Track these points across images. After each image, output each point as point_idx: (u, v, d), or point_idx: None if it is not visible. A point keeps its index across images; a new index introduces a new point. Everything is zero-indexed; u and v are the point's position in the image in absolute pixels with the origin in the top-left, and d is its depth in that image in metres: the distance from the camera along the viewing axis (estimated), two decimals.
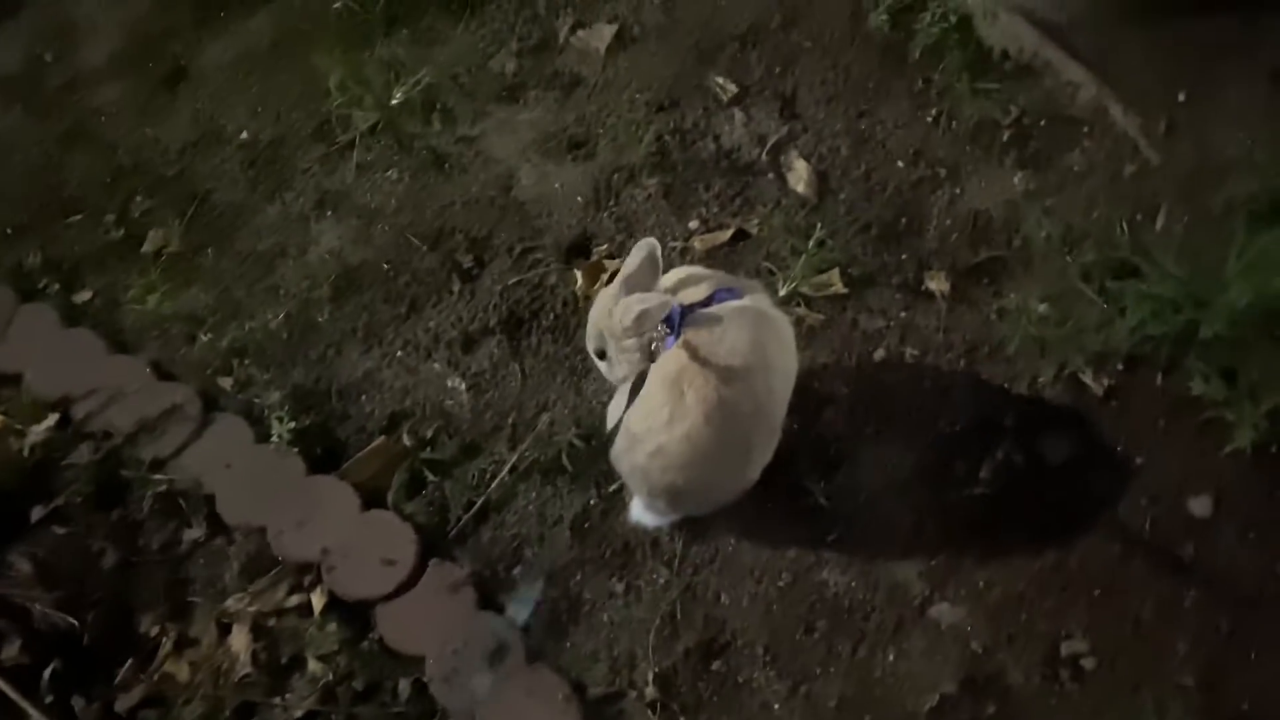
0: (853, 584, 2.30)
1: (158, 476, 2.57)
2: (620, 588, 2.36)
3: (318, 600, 2.38)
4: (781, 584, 2.32)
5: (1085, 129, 2.86)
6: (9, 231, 3.14)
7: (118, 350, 2.82)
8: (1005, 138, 2.87)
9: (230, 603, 2.41)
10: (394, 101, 3.07)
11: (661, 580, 2.36)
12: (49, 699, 2.29)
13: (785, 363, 2.24)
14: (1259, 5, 2.82)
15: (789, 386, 2.26)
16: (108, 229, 3.08)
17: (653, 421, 2.06)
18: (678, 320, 2.12)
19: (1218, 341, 2.35)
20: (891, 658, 2.22)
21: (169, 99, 3.35)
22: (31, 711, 2.26)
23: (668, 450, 2.07)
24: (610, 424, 2.23)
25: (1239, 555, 2.20)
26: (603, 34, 3.21)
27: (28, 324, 2.90)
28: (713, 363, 2.06)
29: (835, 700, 2.18)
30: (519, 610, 2.32)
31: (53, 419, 2.68)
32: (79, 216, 3.13)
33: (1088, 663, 2.15)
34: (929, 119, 2.94)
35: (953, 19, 2.99)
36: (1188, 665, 2.11)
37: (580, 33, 3.24)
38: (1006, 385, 2.49)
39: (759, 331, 2.17)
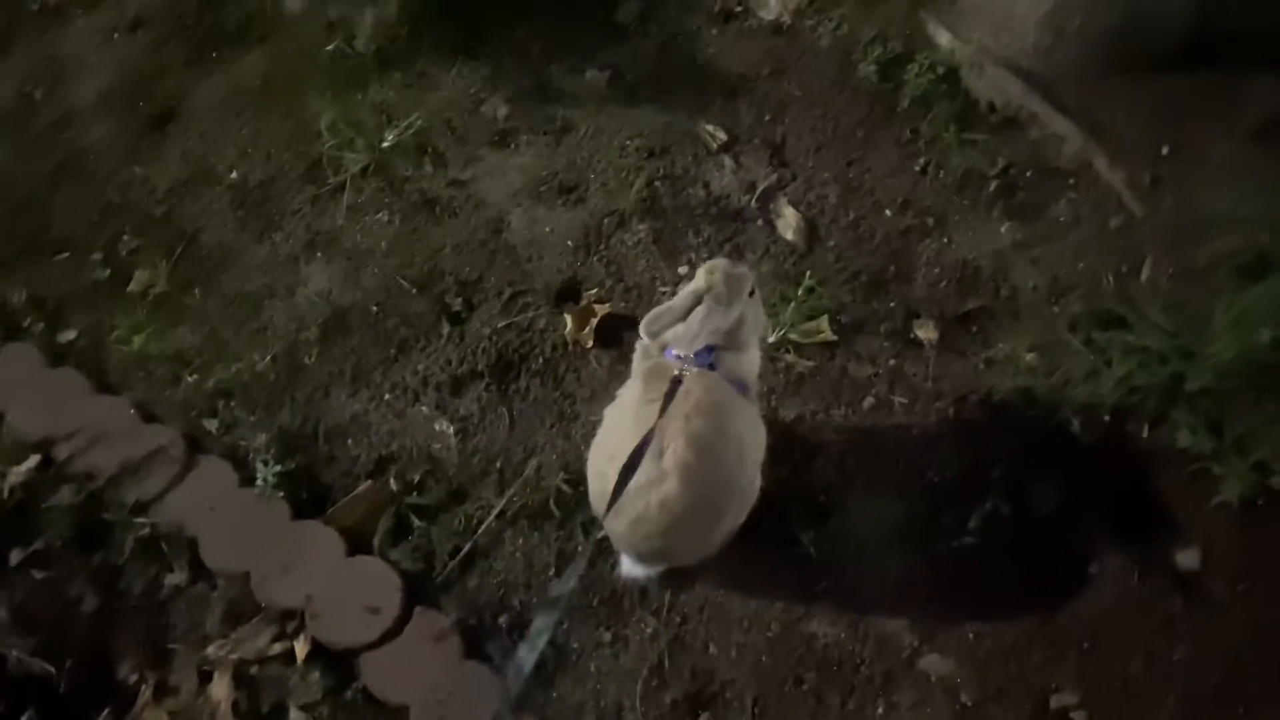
0: (842, 635, 2.28)
1: (140, 520, 2.53)
2: (608, 637, 2.33)
3: (301, 648, 2.33)
4: (770, 634, 2.31)
5: (1071, 181, 2.91)
6: None
7: (102, 391, 2.79)
8: (992, 188, 2.90)
9: (211, 650, 2.36)
10: (385, 144, 3.08)
11: (649, 629, 2.33)
12: None
13: (754, 437, 2.20)
14: (1242, 62, 2.89)
15: (760, 453, 2.22)
16: (94, 268, 3.06)
17: (630, 486, 2.01)
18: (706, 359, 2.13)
19: (1204, 394, 2.38)
20: (881, 710, 2.20)
21: (159, 138, 3.35)
22: None
23: (647, 518, 2.05)
24: (589, 467, 2.21)
25: (1227, 609, 2.20)
26: (595, 81, 3.24)
27: (11, 363, 2.86)
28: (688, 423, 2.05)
29: None
30: (528, 655, 2.18)
31: (34, 460, 2.63)
32: (65, 255, 3.11)
33: (1077, 716, 2.14)
34: (917, 168, 2.97)
35: (940, 70, 3.05)
36: (1178, 719, 2.10)
37: (573, 78, 3.26)
38: (994, 435, 2.50)
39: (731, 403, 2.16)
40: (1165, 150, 2.88)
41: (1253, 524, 2.28)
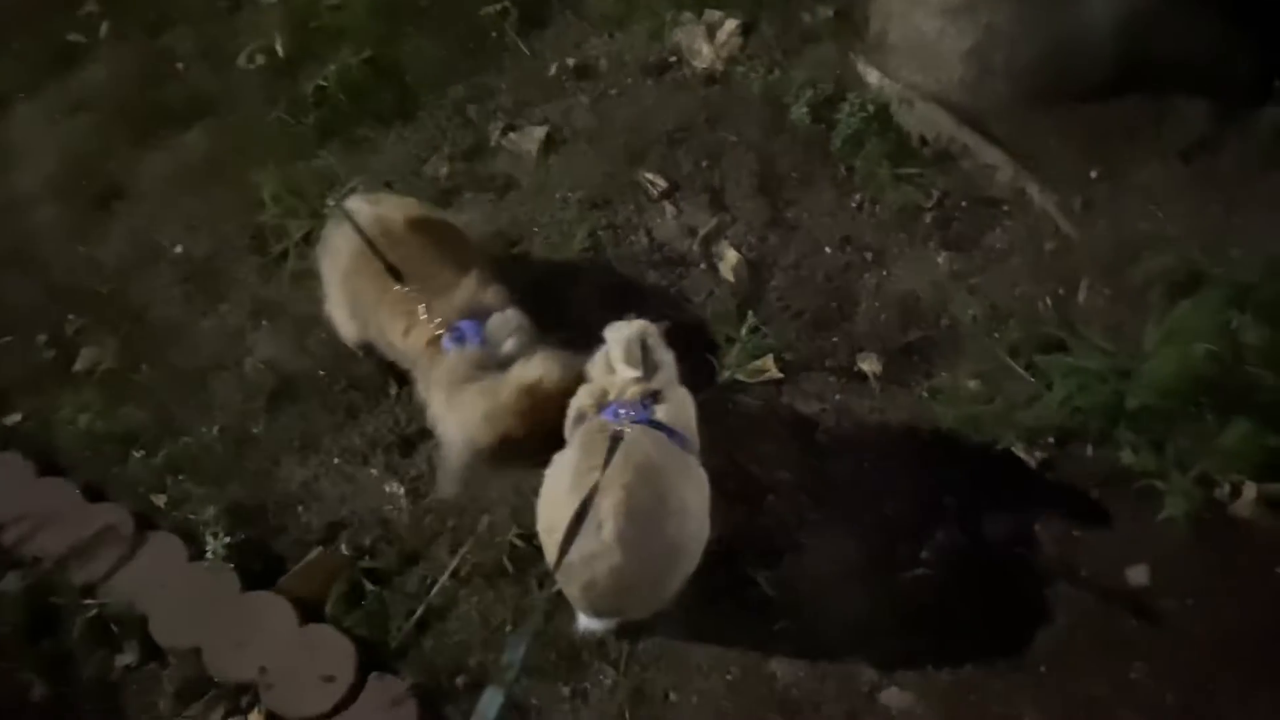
0: (801, 674, 2.27)
1: (89, 601, 2.49)
2: (567, 691, 2.31)
3: None
4: (730, 678, 2.29)
5: (1005, 208, 2.96)
6: None
7: (50, 472, 2.76)
8: (929, 220, 2.95)
9: None
10: (327, 210, 3.09)
11: (609, 681, 2.31)
12: None
13: (698, 495, 2.17)
14: (1166, 88, 2.96)
15: (704, 507, 2.19)
16: (40, 350, 3.04)
17: (575, 556, 2.00)
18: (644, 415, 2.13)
19: (1144, 412, 2.40)
20: None
21: (104, 217, 3.35)
22: None
23: (596, 583, 2.03)
24: (539, 517, 2.20)
25: (1180, 624, 2.21)
26: (534, 136, 3.28)
27: None
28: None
29: None
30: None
31: None
32: (9, 338, 3.10)
33: None
34: (854, 205, 3.02)
35: (871, 108, 3.11)
36: None
37: (512, 135, 3.31)
38: (944, 464, 2.52)
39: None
40: (1095, 174, 2.94)
41: (1199, 538, 2.29)
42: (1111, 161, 2.94)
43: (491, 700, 1.77)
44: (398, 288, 2.34)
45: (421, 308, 2.32)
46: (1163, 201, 2.83)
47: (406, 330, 2.36)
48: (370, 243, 2.37)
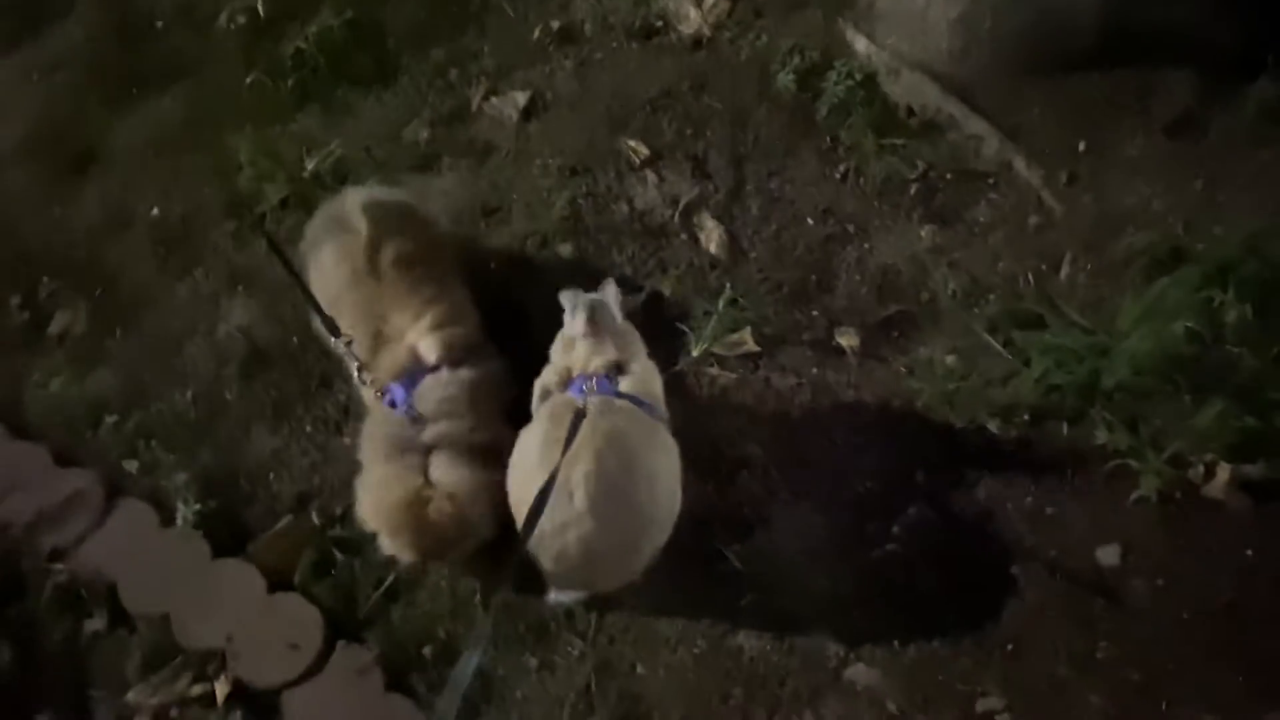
0: (768, 648, 2.26)
1: (58, 566, 2.50)
2: (534, 663, 2.31)
3: (221, 689, 2.30)
4: (697, 650, 2.29)
5: (991, 181, 2.91)
6: None
7: (19, 437, 2.75)
8: (913, 192, 2.91)
9: (131, 695, 2.33)
10: (305, 174, 3.06)
11: (576, 652, 2.31)
12: None
13: (667, 461, 2.17)
14: (1153, 60, 2.90)
15: (675, 475, 2.19)
16: (12, 313, 3.02)
17: (546, 526, 2.00)
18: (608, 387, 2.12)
19: (1120, 390, 2.38)
20: None
21: (79, 181, 3.32)
22: None
23: (567, 555, 2.03)
24: (509, 491, 2.19)
25: (1148, 604, 2.20)
26: (516, 102, 3.23)
27: None
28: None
29: None
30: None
31: None
32: None
33: (1003, 719, 2.13)
34: (837, 176, 2.97)
35: (858, 77, 3.05)
36: (1101, 718, 2.09)
37: (494, 100, 3.26)
38: (917, 440, 2.49)
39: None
40: (1081, 147, 2.89)
41: (1171, 518, 2.27)
42: (1097, 135, 2.88)
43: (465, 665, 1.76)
44: (334, 342, 2.29)
45: (355, 366, 2.28)
46: (1148, 176, 2.78)
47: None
48: (305, 289, 2.30)
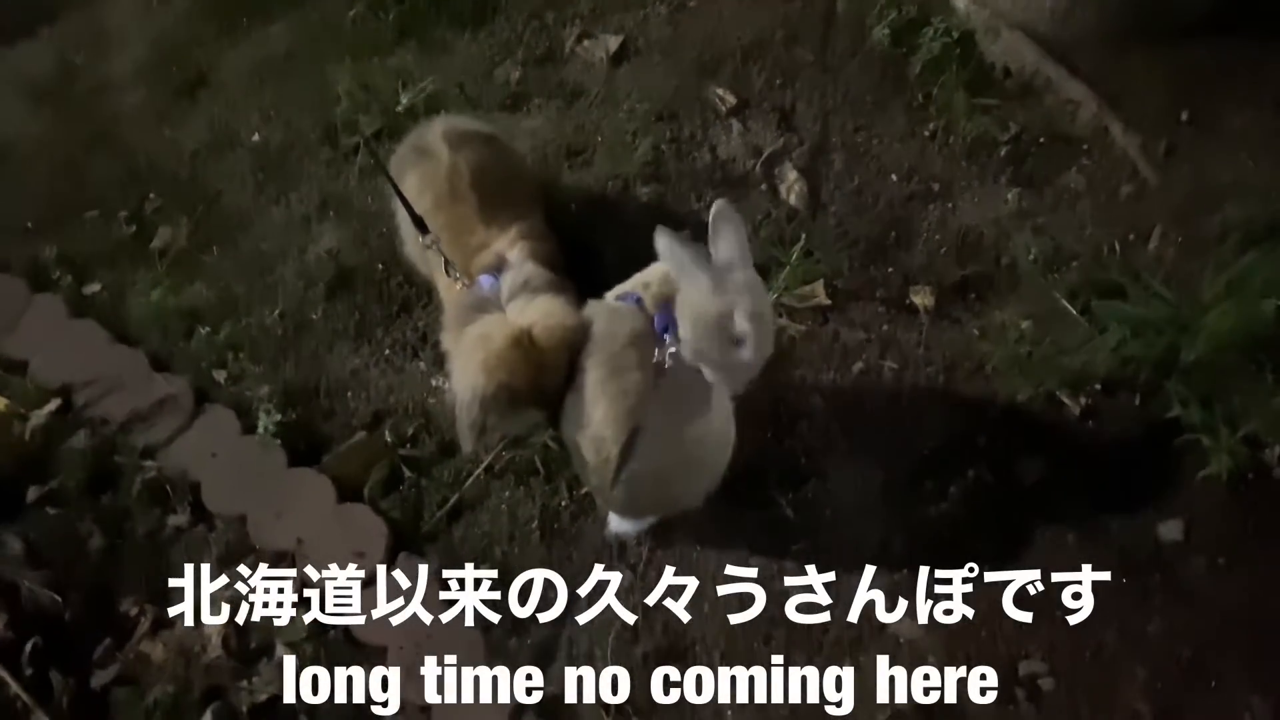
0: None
1: (148, 463, 2.64)
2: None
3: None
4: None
5: (1085, 148, 2.84)
6: (30, 226, 3.24)
7: (120, 341, 2.90)
8: (1002, 154, 2.85)
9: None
10: (399, 108, 3.13)
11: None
12: (29, 672, 2.37)
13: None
14: (1267, 32, 2.78)
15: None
16: (120, 226, 3.17)
17: (609, 454, 2.06)
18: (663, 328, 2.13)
19: (1198, 366, 2.31)
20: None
21: (189, 104, 3.45)
22: (10, 683, 2.34)
23: (639, 474, 2.08)
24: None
25: (1206, 583, 2.15)
26: (608, 45, 3.26)
27: (38, 314, 2.99)
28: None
29: (788, 713, 2.17)
30: None
31: (54, 404, 2.76)
32: (95, 214, 3.23)
33: (1045, 683, 2.12)
34: (926, 134, 2.93)
35: (955, 35, 3.00)
36: (1146, 692, 2.07)
37: (586, 43, 3.29)
38: (983, 403, 2.47)
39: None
40: (1184, 117, 2.79)
41: (1239, 499, 2.22)
42: (1202, 105, 2.78)
43: None
44: (421, 239, 2.34)
45: (443, 265, 2.32)
46: (1252, 151, 2.68)
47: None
48: (400, 193, 2.35)
